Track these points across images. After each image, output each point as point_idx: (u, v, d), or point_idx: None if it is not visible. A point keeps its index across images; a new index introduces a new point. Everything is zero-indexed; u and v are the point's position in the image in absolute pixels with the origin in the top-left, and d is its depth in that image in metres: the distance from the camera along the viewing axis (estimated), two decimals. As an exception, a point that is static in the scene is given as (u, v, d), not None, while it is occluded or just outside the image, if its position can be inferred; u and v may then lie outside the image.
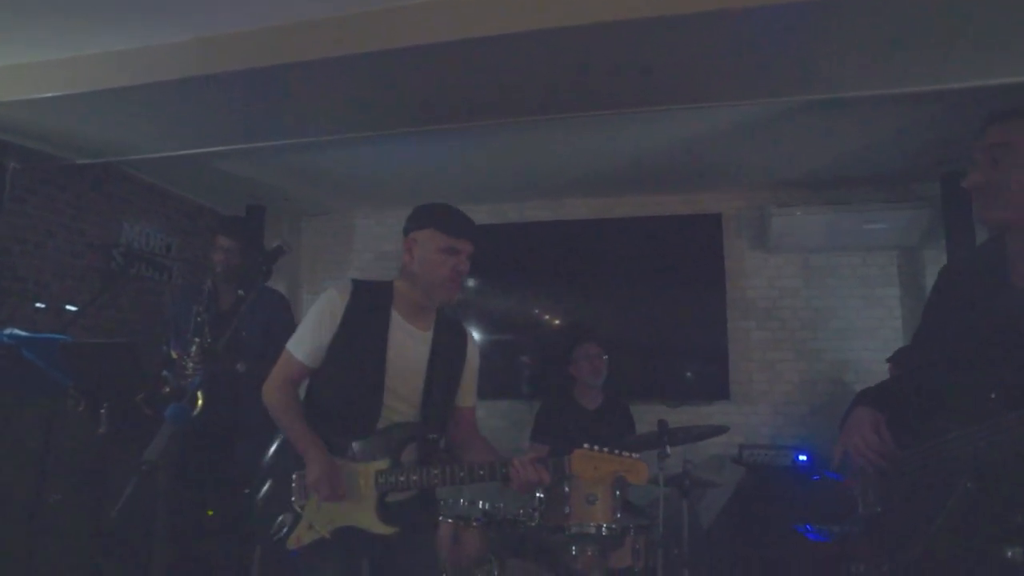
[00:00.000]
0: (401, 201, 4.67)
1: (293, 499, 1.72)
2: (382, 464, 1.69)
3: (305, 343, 1.79)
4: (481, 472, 1.65)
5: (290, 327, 3.38)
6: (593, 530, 2.46)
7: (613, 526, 2.45)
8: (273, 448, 1.86)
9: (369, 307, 1.80)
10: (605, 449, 1.58)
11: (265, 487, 1.81)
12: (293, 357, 1.79)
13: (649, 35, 2.32)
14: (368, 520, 1.67)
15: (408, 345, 1.80)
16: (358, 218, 4.86)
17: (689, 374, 4.04)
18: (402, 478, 1.68)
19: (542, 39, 2.33)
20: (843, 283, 4.01)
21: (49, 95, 2.73)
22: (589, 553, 2.52)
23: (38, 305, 3.26)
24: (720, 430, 2.70)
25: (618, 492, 2.53)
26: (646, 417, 3.73)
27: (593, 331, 3.72)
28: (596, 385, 3.40)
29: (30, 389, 2.65)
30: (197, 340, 2.84)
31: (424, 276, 1.77)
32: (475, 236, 1.81)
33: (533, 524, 2.51)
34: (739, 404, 3.96)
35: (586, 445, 1.58)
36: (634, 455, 1.58)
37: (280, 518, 1.72)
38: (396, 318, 1.81)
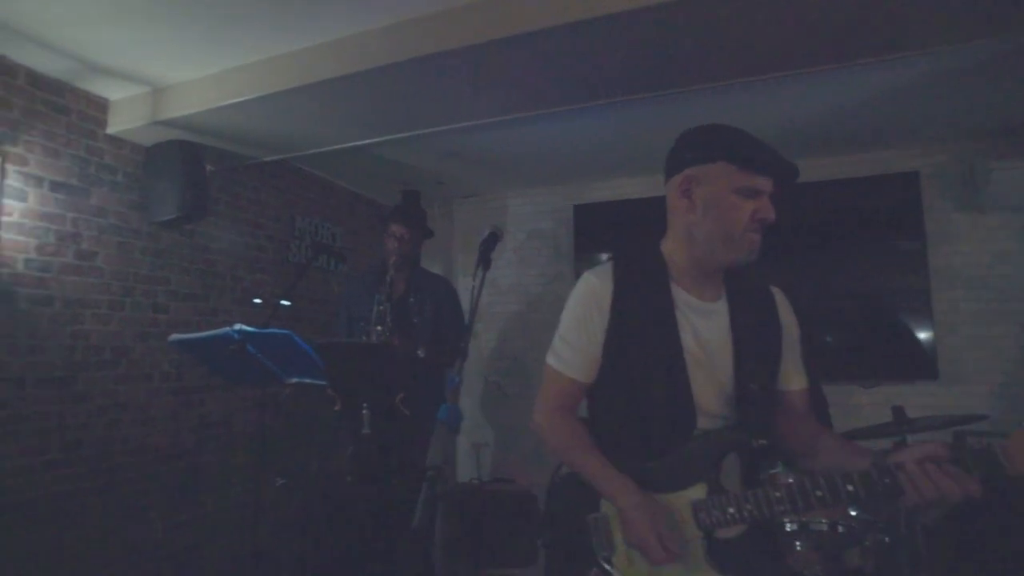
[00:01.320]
0: (551, 179, 4.59)
1: (595, 550, 1.34)
2: (697, 491, 1.29)
3: (573, 354, 1.42)
4: (850, 488, 1.14)
5: (458, 312, 3.42)
6: (826, 527, 2.27)
7: (852, 524, 2.25)
8: (550, 485, 1.55)
9: (641, 286, 1.40)
10: None
11: (560, 534, 1.46)
12: (562, 375, 1.44)
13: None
14: (698, 570, 1.26)
15: (703, 325, 1.39)
16: (510, 198, 4.82)
17: (886, 351, 3.67)
18: (731, 509, 1.24)
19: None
20: (1078, 244, 3.46)
21: (244, 98, 2.84)
22: (817, 551, 2.33)
23: (256, 301, 3.47)
24: (976, 418, 2.39)
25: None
26: (836, 399, 3.42)
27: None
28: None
29: (250, 380, 2.82)
30: (379, 328, 2.89)
31: (711, 227, 1.34)
32: (783, 173, 1.34)
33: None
34: (947, 385, 3.54)
35: None
36: None
37: None
38: (678, 293, 1.40)
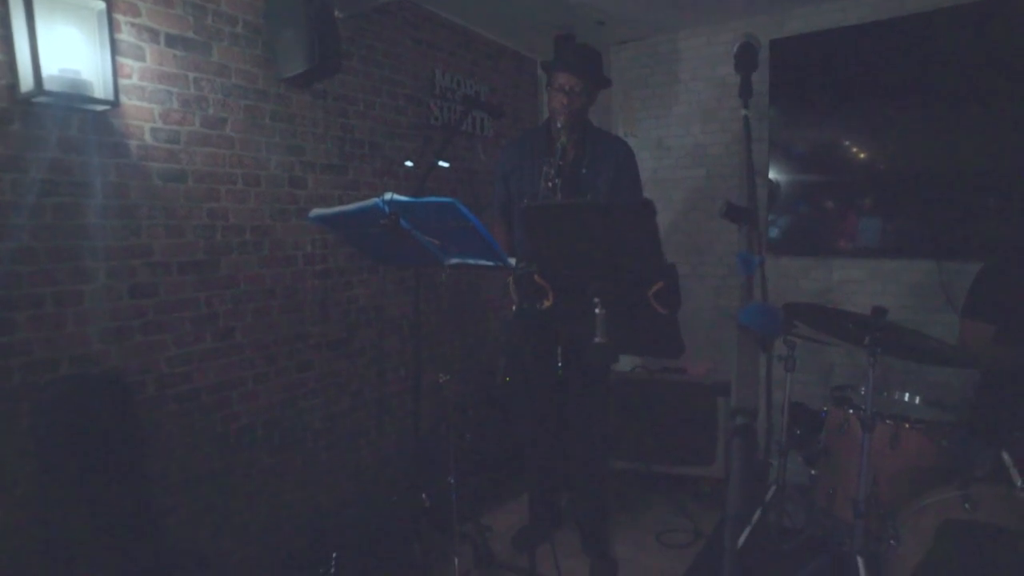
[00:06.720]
0: (739, 9, 3.59)
1: None
2: None
3: None
4: None
5: (637, 182, 2.76)
6: None
7: None
8: None
9: None
10: None
11: None
12: None
13: None
14: None
15: None
16: (681, 39, 3.90)
17: None
18: None
19: None
20: None
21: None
22: None
23: (407, 163, 3.03)
24: None
25: None
26: None
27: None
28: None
29: (402, 261, 2.40)
30: None
31: None
32: None
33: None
34: None
35: None
36: None
37: None
38: None
